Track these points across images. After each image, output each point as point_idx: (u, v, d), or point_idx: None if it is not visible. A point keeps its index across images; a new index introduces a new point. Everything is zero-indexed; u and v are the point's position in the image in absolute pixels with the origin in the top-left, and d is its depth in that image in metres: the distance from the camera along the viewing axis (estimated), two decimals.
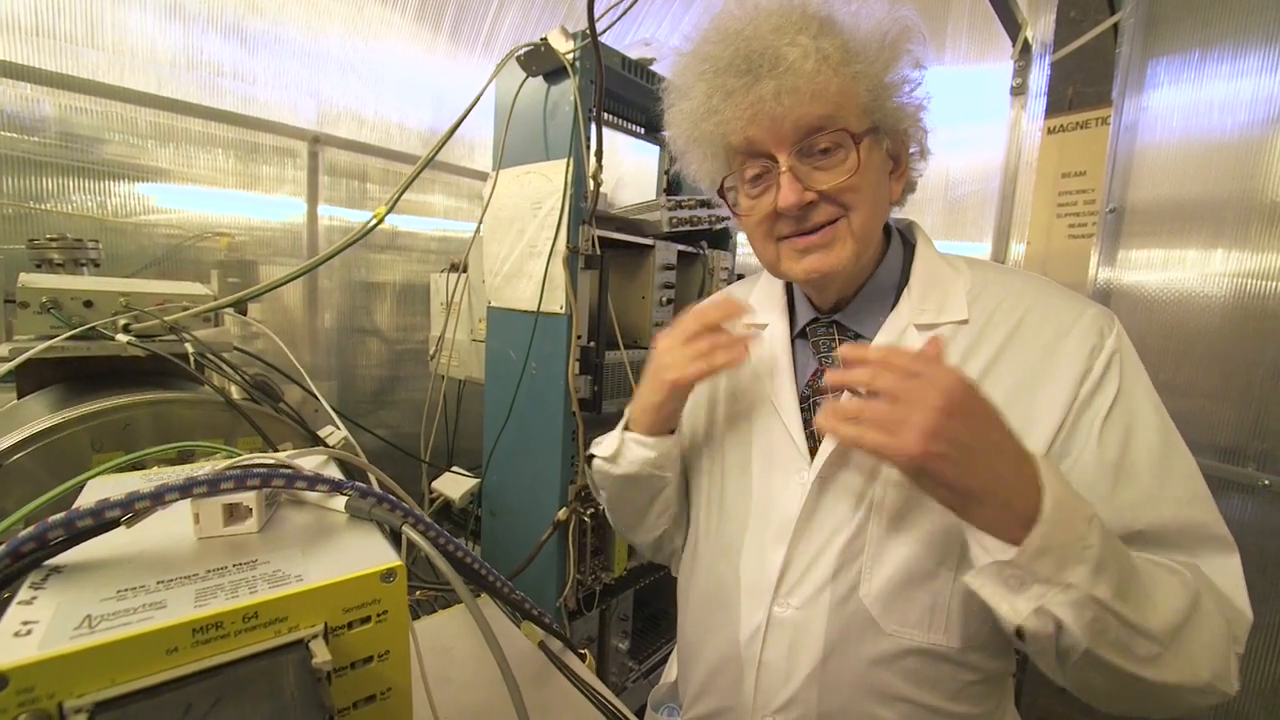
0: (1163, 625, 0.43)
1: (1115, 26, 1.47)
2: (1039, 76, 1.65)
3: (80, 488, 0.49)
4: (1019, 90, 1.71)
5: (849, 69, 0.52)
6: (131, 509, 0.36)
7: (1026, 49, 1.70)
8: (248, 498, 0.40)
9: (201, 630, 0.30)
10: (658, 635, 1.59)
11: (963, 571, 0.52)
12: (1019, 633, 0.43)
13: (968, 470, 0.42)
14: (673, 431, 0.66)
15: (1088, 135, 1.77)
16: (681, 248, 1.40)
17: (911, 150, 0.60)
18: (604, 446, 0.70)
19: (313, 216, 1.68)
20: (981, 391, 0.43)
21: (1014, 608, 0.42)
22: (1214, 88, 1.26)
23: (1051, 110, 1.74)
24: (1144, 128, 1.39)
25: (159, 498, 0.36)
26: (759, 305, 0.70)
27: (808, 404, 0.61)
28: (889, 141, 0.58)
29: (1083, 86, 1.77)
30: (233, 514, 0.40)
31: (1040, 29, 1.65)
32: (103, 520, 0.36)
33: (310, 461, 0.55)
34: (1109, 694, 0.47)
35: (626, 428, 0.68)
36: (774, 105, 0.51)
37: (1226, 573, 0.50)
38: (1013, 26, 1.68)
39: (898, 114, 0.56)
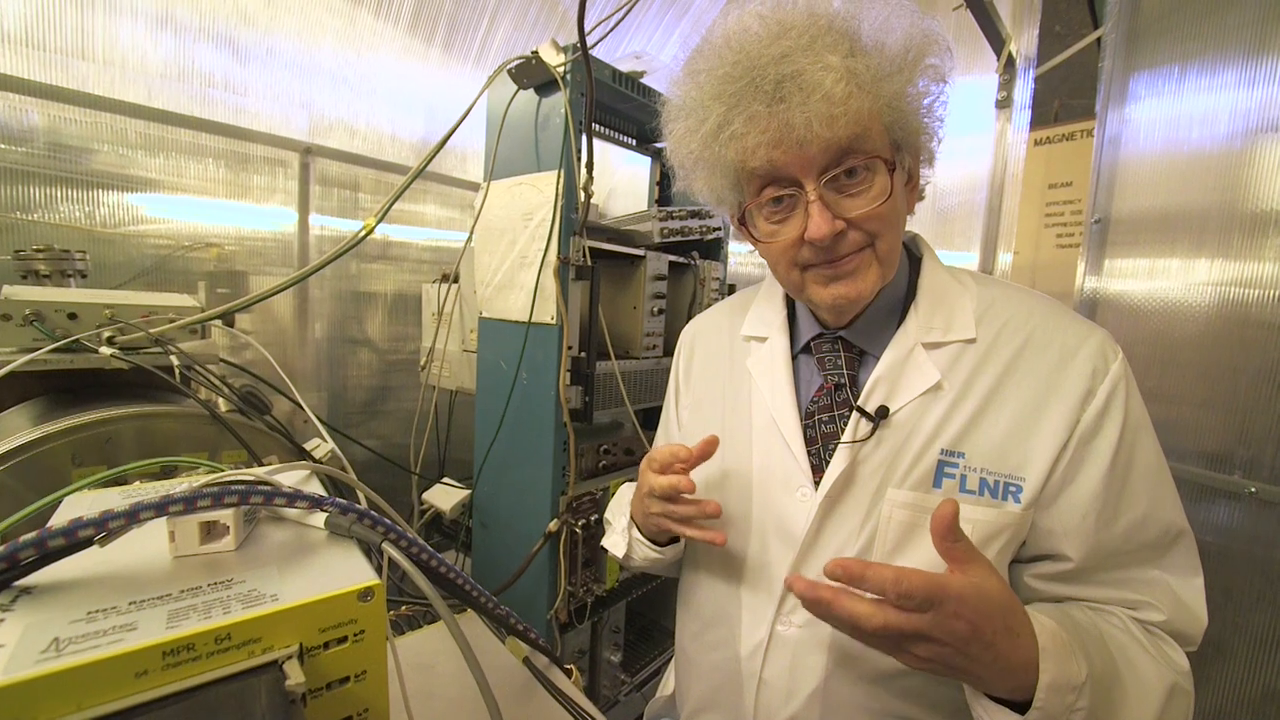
0: None
1: (1098, 41, 1.50)
2: (1023, 90, 1.68)
3: (58, 504, 0.48)
4: (1004, 103, 1.74)
5: (876, 88, 0.50)
6: (105, 528, 0.36)
7: (1011, 63, 1.73)
8: (225, 515, 0.39)
9: (172, 653, 0.30)
10: (650, 647, 1.58)
11: None
12: None
13: (965, 674, 0.44)
14: (677, 539, 0.68)
15: (1073, 147, 1.80)
16: (673, 258, 1.40)
17: (921, 161, 0.59)
18: (615, 544, 0.72)
19: (304, 226, 1.67)
20: (992, 603, 0.43)
21: None
22: (1194, 101, 1.28)
23: (1038, 122, 1.77)
24: (1127, 140, 1.41)
25: (134, 516, 0.36)
26: (759, 318, 0.70)
27: (811, 421, 0.60)
28: (909, 159, 0.56)
29: (1068, 99, 1.80)
30: (210, 531, 0.40)
31: (1024, 43, 1.68)
32: (75, 540, 0.35)
33: (293, 476, 0.54)
34: None
35: (633, 519, 0.69)
36: (803, 131, 0.48)
37: (1191, 587, 0.53)
38: (997, 41, 1.71)
39: (916, 129, 0.55)
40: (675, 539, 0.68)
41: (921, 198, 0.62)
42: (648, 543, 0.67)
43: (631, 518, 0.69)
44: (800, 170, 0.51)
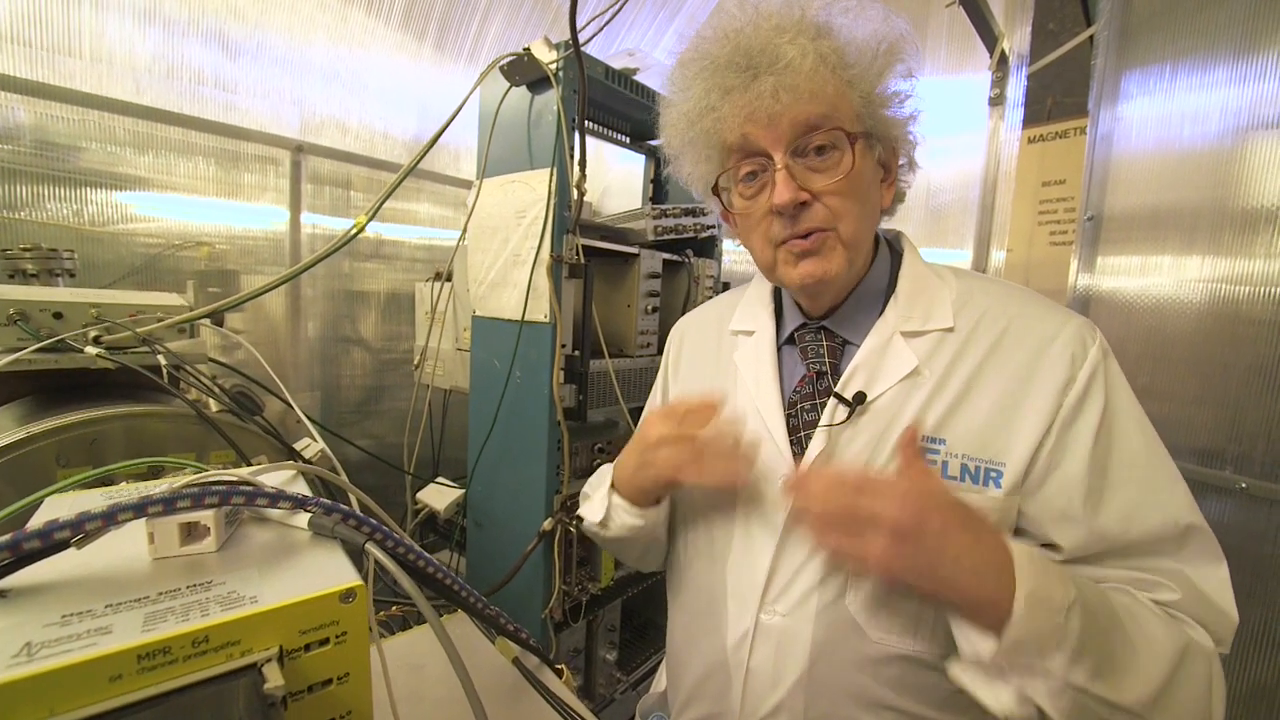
0: (1143, 697, 0.44)
1: (1091, 39, 1.50)
2: (1016, 87, 1.68)
3: (38, 504, 0.47)
4: (997, 100, 1.74)
5: (845, 73, 0.53)
6: (82, 529, 0.35)
7: (1004, 60, 1.73)
8: (205, 516, 0.39)
9: (148, 656, 0.29)
10: (646, 645, 1.57)
11: None
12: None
13: (932, 580, 0.45)
14: (659, 501, 0.67)
15: (1067, 144, 1.80)
16: (667, 256, 1.40)
17: (901, 162, 0.61)
18: (592, 509, 0.70)
19: (295, 225, 1.66)
20: (940, 499, 0.45)
21: (997, 698, 0.43)
22: (1185, 99, 1.28)
23: (1031, 120, 1.78)
24: (1119, 138, 1.41)
25: (111, 517, 0.35)
26: (747, 310, 0.71)
27: (794, 410, 0.61)
28: (880, 149, 0.58)
29: (1061, 97, 1.80)
30: (190, 533, 0.39)
31: (1016, 41, 1.68)
32: (51, 542, 0.35)
33: (279, 477, 0.54)
34: None
35: (614, 486, 0.68)
36: (772, 102, 0.52)
37: (1213, 578, 0.50)
38: (989, 38, 1.71)
39: (889, 123, 0.57)
40: (656, 502, 0.67)
41: (900, 199, 0.64)
42: (627, 506, 0.66)
43: (613, 484, 0.68)
44: (771, 144, 0.54)
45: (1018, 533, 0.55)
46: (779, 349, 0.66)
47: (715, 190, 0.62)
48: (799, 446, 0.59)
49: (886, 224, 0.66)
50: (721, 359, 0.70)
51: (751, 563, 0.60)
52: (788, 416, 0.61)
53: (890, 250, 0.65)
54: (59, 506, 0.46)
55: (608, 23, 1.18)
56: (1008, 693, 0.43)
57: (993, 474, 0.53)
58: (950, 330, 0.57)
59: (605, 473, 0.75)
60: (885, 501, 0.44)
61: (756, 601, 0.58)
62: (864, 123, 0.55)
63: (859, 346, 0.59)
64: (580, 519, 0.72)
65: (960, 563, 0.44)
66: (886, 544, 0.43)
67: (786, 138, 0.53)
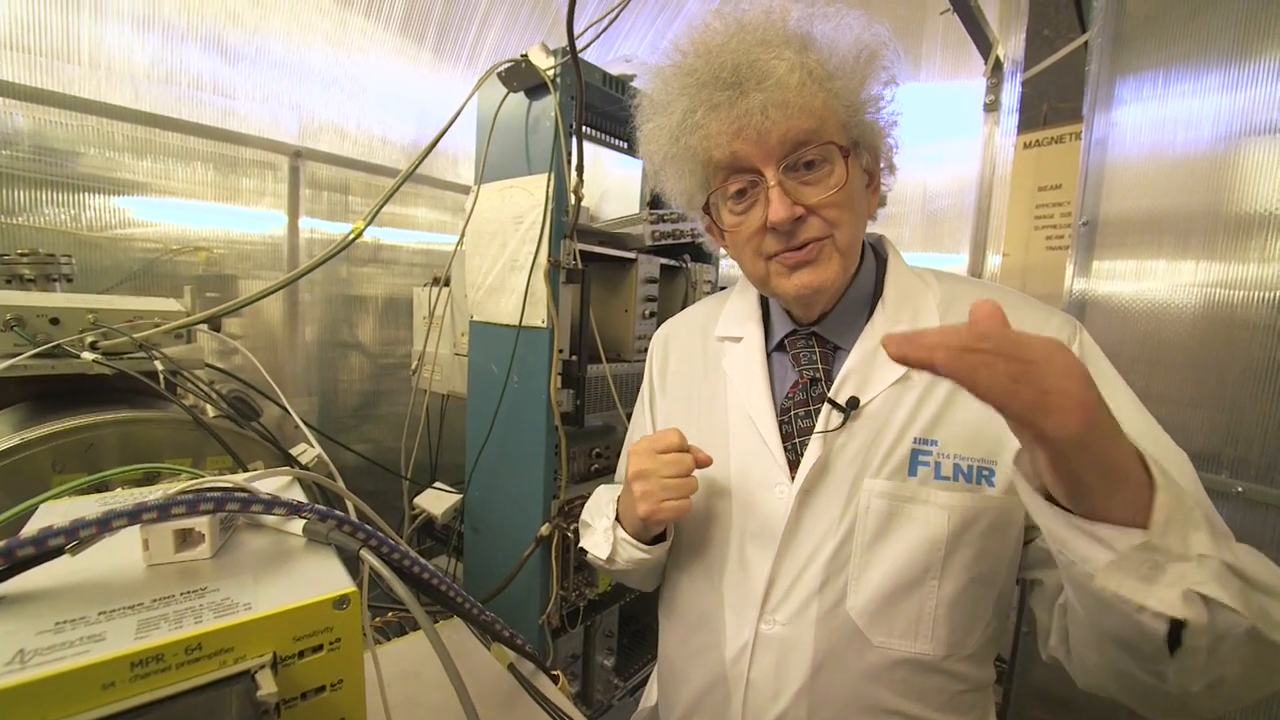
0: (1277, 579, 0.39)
1: (1086, 45, 1.51)
2: (1011, 93, 1.69)
3: (33, 511, 0.47)
4: (992, 106, 1.75)
5: (830, 85, 0.53)
6: (76, 536, 0.35)
7: (998, 66, 1.74)
8: (200, 523, 0.39)
9: (140, 664, 0.29)
10: (644, 651, 1.57)
11: (946, 580, 0.53)
12: (1176, 635, 0.36)
13: (1112, 442, 0.36)
14: (665, 535, 0.66)
15: (1063, 150, 1.81)
16: (664, 261, 1.40)
17: (881, 166, 0.62)
18: (596, 544, 0.68)
19: (293, 230, 1.67)
20: None
21: (1161, 599, 0.36)
22: (1178, 105, 1.30)
23: (1027, 125, 1.79)
24: (1114, 143, 1.42)
25: (105, 524, 0.35)
26: (733, 318, 0.70)
27: (787, 416, 0.61)
28: (866, 157, 0.59)
29: (1057, 102, 1.82)
30: (185, 539, 0.39)
31: (1011, 47, 1.69)
32: (45, 549, 0.35)
33: (274, 483, 0.54)
34: (1248, 684, 0.40)
35: (618, 519, 0.67)
36: (761, 119, 0.51)
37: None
38: (984, 44, 1.72)
39: (872, 130, 0.57)
40: (661, 537, 0.66)
41: (883, 203, 0.64)
42: (634, 541, 0.65)
43: (616, 518, 0.67)
44: (761, 160, 0.54)
45: (1027, 538, 0.54)
46: (768, 355, 0.66)
47: (705, 208, 0.61)
48: (794, 453, 0.59)
49: (870, 228, 0.66)
50: (709, 366, 0.70)
51: (749, 572, 0.59)
52: (780, 423, 0.61)
53: (875, 255, 0.66)
54: (54, 513, 0.46)
55: (605, 29, 1.19)
56: (1170, 590, 0.36)
57: (985, 473, 0.53)
58: None
59: (603, 498, 0.74)
60: (1047, 344, 0.34)
61: (755, 611, 0.58)
62: (850, 133, 0.56)
63: (849, 352, 0.60)
64: (584, 551, 0.71)
65: (1116, 427, 0.36)
66: (1084, 389, 0.34)
67: (777, 154, 0.53)
